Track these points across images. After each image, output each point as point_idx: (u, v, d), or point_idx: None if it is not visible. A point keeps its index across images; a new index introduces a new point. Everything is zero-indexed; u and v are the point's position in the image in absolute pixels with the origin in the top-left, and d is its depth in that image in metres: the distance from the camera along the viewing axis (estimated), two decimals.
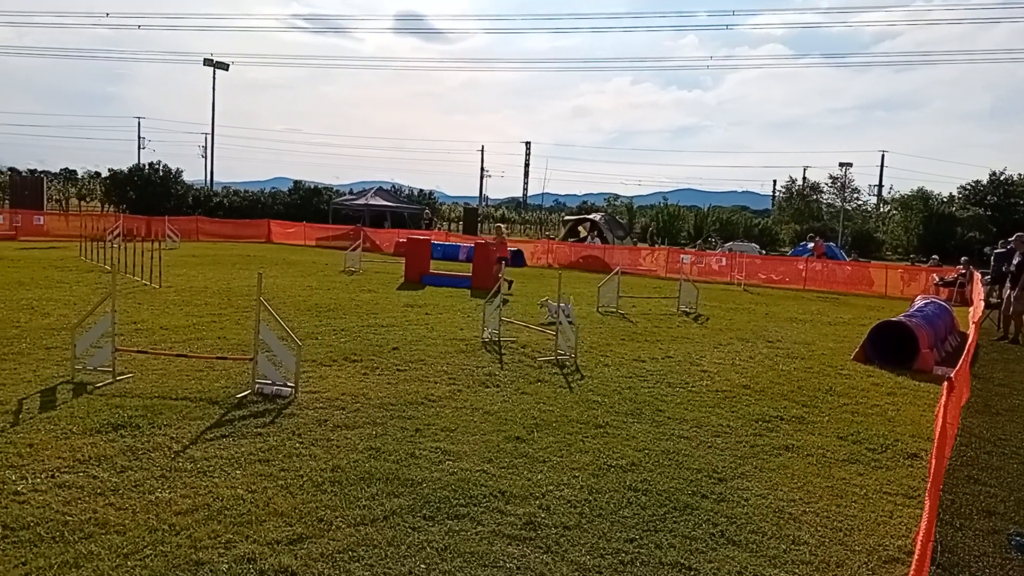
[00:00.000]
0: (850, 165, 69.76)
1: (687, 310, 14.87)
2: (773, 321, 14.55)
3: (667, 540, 4.21)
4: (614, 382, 8.06)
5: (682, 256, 27.34)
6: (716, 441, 6.18)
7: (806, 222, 63.57)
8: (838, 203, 69.58)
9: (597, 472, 5.22)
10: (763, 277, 25.43)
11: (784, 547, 4.24)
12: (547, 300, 11.96)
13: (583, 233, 36.38)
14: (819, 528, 4.55)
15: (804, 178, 75.05)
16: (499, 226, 22.14)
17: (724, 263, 27.05)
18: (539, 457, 5.44)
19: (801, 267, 25.66)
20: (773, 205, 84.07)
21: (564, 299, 9.83)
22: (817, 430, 6.72)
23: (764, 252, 40.47)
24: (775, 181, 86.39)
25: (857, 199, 72.29)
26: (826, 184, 72.50)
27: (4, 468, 4.58)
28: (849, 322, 15.12)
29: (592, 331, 11.47)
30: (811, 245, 30.67)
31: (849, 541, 4.40)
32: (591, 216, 39.78)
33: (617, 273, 14.86)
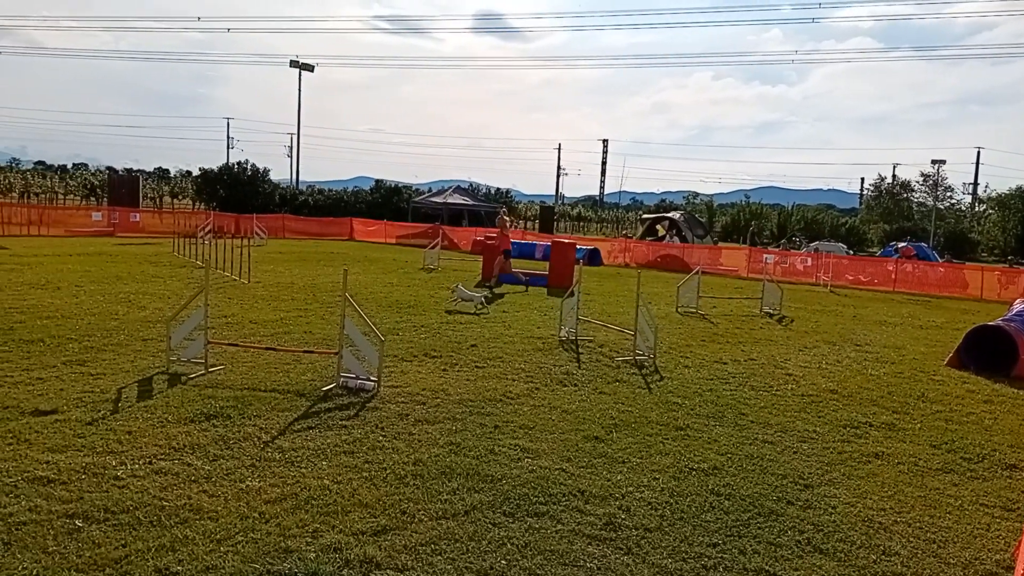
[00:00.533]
0: (943, 162, 66.89)
1: (770, 311, 14.53)
2: (861, 324, 14.07)
3: (751, 546, 4.12)
4: (695, 384, 7.94)
5: (765, 256, 26.71)
6: (802, 447, 6.02)
7: (896, 222, 61.30)
8: (930, 202, 66.81)
9: (678, 475, 5.16)
10: (850, 278, 24.63)
11: (874, 557, 4.11)
12: (458, 285, 12.15)
13: (661, 232, 35.94)
14: (911, 539, 4.38)
15: (894, 176, 72.34)
16: (502, 216, 18.82)
17: (809, 263, 26.33)
18: (618, 458, 5.41)
19: (890, 268, 24.76)
20: (861, 204, 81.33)
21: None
22: (908, 437, 6.47)
23: (851, 252, 39.17)
24: (863, 179, 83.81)
25: (950, 198, 69.28)
26: (917, 182, 69.71)
27: (105, 454, 4.82)
28: (942, 326, 14.50)
29: (671, 332, 11.33)
30: (901, 245, 29.54)
31: (943, 554, 4.22)
32: (670, 214, 39.28)
33: (697, 273, 14.63)
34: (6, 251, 17.70)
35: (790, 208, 64.25)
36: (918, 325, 14.47)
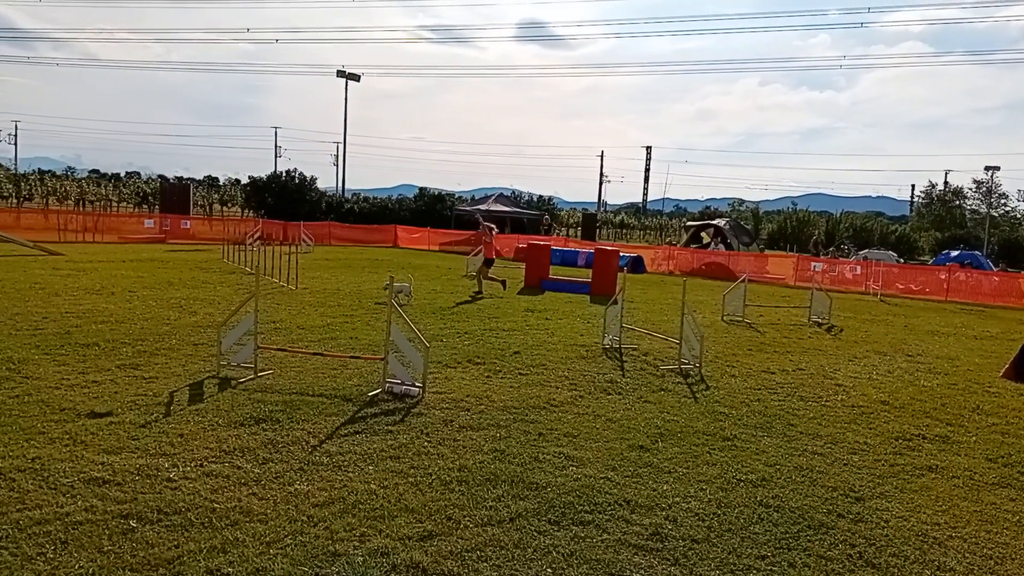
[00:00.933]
0: (997, 168, 65.06)
1: (819, 321, 14.26)
2: (913, 334, 13.75)
3: (801, 559, 4.05)
4: (742, 394, 7.83)
5: (813, 264, 26.26)
6: (852, 459, 5.90)
7: (948, 229, 59.80)
8: (983, 209, 65.02)
9: (725, 486, 5.09)
10: (901, 287, 24.09)
11: (928, 573, 4.00)
12: (392, 278, 12.28)
13: (706, 239, 35.58)
14: (967, 555, 4.26)
15: (946, 182, 70.70)
16: (485, 223, 17.39)
17: (858, 272, 25.81)
18: (664, 467, 5.36)
19: (943, 277, 24.14)
20: (911, 211, 79.56)
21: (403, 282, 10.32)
22: (963, 451, 6.30)
23: (902, 260, 38.31)
24: (913, 186, 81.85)
25: (1004, 205, 67.26)
26: (970, 189, 67.92)
27: (158, 456, 4.93)
28: (997, 336, 14.10)
29: (717, 340, 11.20)
30: (954, 254, 28.81)
31: (1001, 571, 4.09)
32: (715, 221, 38.85)
33: (743, 281, 14.44)
34: (62, 257, 18.24)
35: (838, 215, 63.05)
36: (972, 335, 14.08)
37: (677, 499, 4.77)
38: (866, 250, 39.95)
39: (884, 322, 15.46)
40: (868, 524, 4.60)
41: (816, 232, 49.97)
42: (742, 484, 5.14)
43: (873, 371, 9.64)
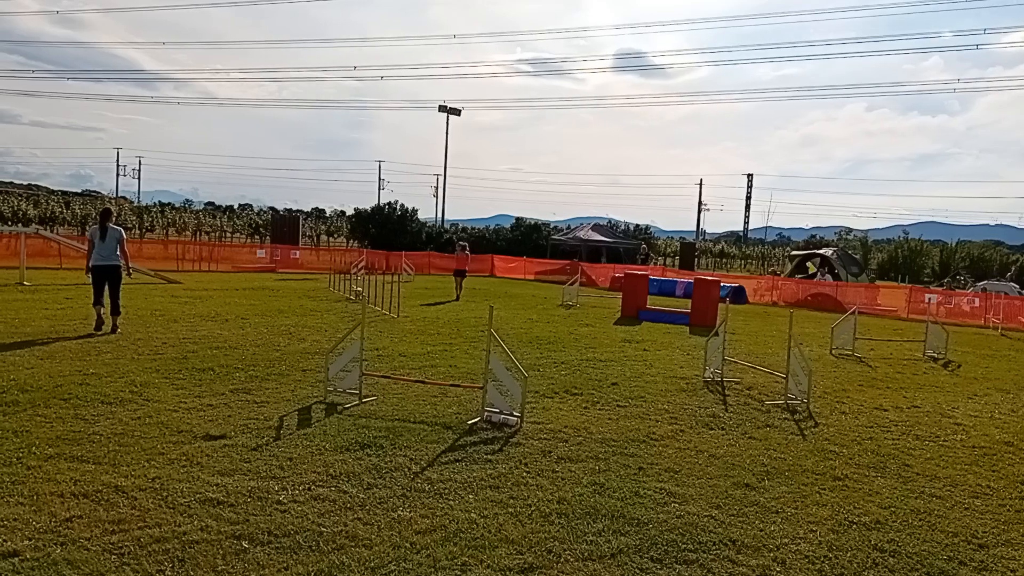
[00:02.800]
0: None
1: (934, 355, 13.53)
2: None
3: None
4: (852, 431, 7.49)
5: (927, 296, 24.97)
6: (974, 503, 5.53)
7: None
8: None
9: (837, 528, 4.85)
10: None
11: None
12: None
13: (812, 269, 34.37)
14: None
15: None
16: (459, 243, 22.74)
17: (977, 304, 24.38)
18: (771, 507, 5.16)
19: None
20: None
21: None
22: None
23: None
24: None
25: None
26: None
27: (268, 479, 5.10)
28: None
29: (825, 375, 10.76)
30: None
31: None
32: (821, 251, 37.50)
33: (853, 313, 13.86)
34: (180, 285, 19.28)
35: (953, 245, 59.84)
36: None
37: (785, 540, 4.58)
38: (985, 281, 37.69)
39: (1006, 357, 14.52)
40: (992, 573, 4.30)
41: (955, 267, 47.39)
42: (855, 526, 4.89)
43: (995, 409, 9.05)
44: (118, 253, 11.24)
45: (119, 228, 11.64)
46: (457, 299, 20.17)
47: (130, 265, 11.95)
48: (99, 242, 11.12)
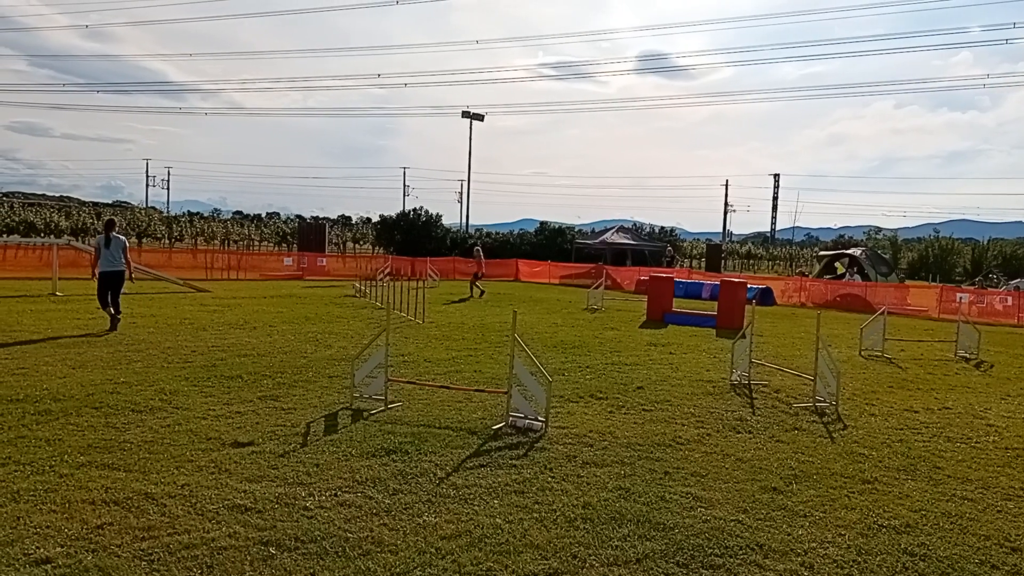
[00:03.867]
0: None
1: (966, 355, 13.31)
2: None
3: None
4: (882, 434, 7.39)
5: (959, 295, 24.57)
6: (1007, 505, 5.43)
7: None
8: None
9: (866, 531, 4.79)
10: None
11: None
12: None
13: (841, 269, 33.99)
14: None
15: None
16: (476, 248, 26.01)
17: (1010, 303, 23.95)
18: (799, 511, 5.10)
19: None
20: None
21: None
22: None
23: None
24: None
25: None
26: None
27: (295, 485, 5.14)
28: None
29: (855, 376, 10.63)
30: None
31: None
32: (850, 251, 37.08)
33: (882, 313, 13.68)
34: (209, 294, 19.52)
35: (985, 243, 58.78)
36: None
37: (814, 544, 4.53)
38: (1018, 279, 37.00)
39: None
40: None
41: (989, 261, 46.56)
42: (884, 530, 4.82)
43: None
44: (123, 260, 12.38)
45: (122, 237, 12.71)
46: (472, 298, 22.06)
47: (132, 270, 12.95)
48: (104, 250, 12.23)
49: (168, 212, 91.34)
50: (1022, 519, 5.16)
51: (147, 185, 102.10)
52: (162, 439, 6.05)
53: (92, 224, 61.62)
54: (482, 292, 23.05)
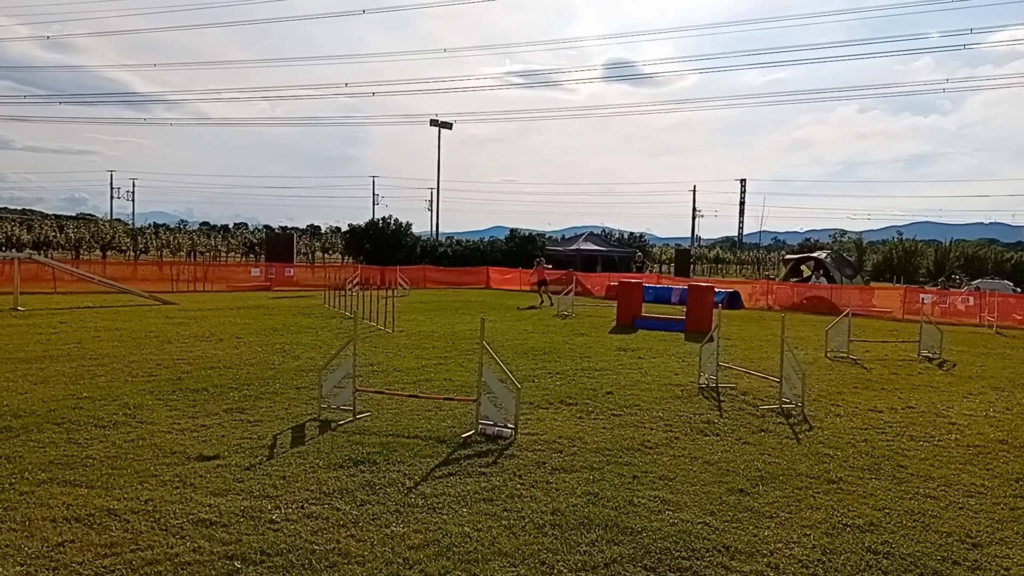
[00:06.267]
0: None
1: (929, 355, 13.56)
2: None
3: None
4: (847, 434, 7.49)
5: (921, 296, 25.03)
6: (968, 502, 5.54)
7: None
8: None
9: (831, 531, 4.86)
10: (1019, 318, 22.64)
11: None
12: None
13: (807, 272, 34.44)
14: None
15: None
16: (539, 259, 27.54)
17: (971, 303, 24.44)
18: (765, 512, 5.16)
19: None
20: None
21: None
22: None
23: (1019, 290, 36.04)
24: None
25: None
26: None
27: (262, 498, 5.09)
28: None
29: (820, 378, 10.78)
30: None
31: None
32: (815, 254, 37.59)
33: (847, 315, 13.90)
34: (175, 306, 19.27)
35: (948, 244, 59.95)
36: None
37: (779, 545, 4.58)
38: (979, 279, 37.79)
39: (1001, 356, 14.56)
40: (986, 572, 4.30)
41: (949, 266, 47.38)
42: (849, 529, 4.90)
43: (990, 408, 9.07)
44: None
45: None
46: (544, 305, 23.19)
47: None
48: None
49: (133, 224, 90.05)
50: (983, 515, 5.27)
51: (111, 197, 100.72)
52: (125, 454, 5.95)
53: (55, 237, 60.54)
54: (551, 302, 23.13)
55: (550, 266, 27.60)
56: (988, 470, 6.38)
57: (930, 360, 13.24)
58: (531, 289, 32.46)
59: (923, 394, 9.89)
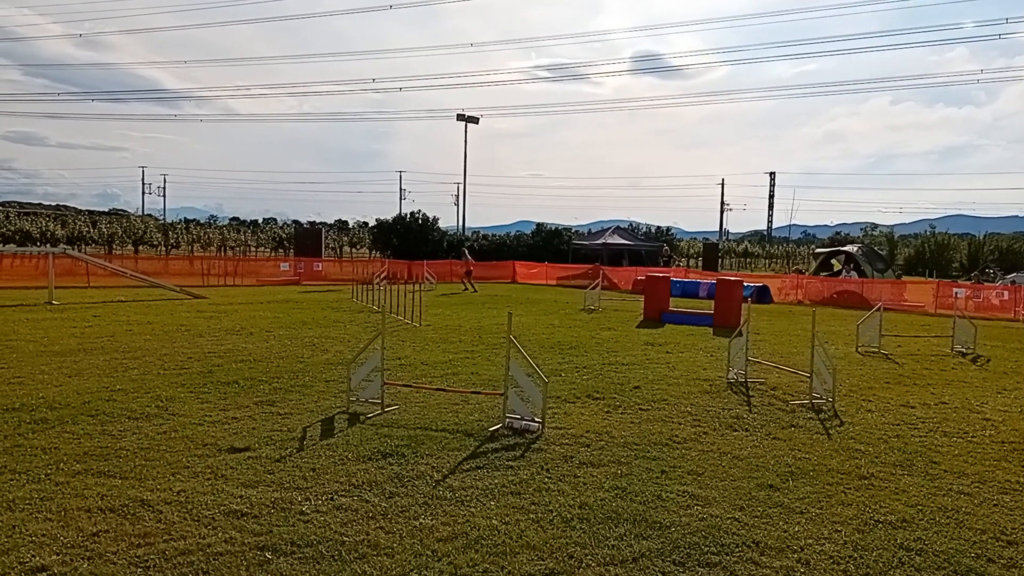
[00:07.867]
0: None
1: (963, 350, 13.32)
2: None
3: None
4: (879, 430, 7.39)
5: (955, 290, 24.60)
6: (1003, 499, 5.44)
7: None
8: None
9: (862, 527, 4.80)
10: None
11: None
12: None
13: (837, 266, 34.02)
14: None
15: None
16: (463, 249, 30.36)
17: (1006, 297, 23.97)
18: (795, 508, 5.11)
19: None
20: None
21: None
22: None
23: None
24: None
25: None
26: None
27: (292, 490, 5.14)
28: None
29: (851, 373, 10.64)
30: None
31: None
32: (846, 248, 37.11)
33: (879, 309, 13.70)
34: (206, 300, 19.50)
35: (981, 237, 58.80)
36: None
37: (810, 541, 4.53)
38: (1014, 274, 37.04)
39: None
40: (1021, 570, 4.22)
41: (986, 257, 46.48)
42: (880, 526, 4.83)
43: None
44: None
45: None
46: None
47: None
48: None
49: (164, 219, 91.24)
50: (1018, 513, 5.17)
51: (143, 192, 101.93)
52: (158, 446, 6.04)
53: (88, 232, 61.56)
54: (474, 289, 25.71)
55: (471, 258, 30.72)
56: (1023, 467, 6.26)
57: (964, 355, 13.02)
58: (556, 283, 32.42)
59: (956, 390, 9.72)
